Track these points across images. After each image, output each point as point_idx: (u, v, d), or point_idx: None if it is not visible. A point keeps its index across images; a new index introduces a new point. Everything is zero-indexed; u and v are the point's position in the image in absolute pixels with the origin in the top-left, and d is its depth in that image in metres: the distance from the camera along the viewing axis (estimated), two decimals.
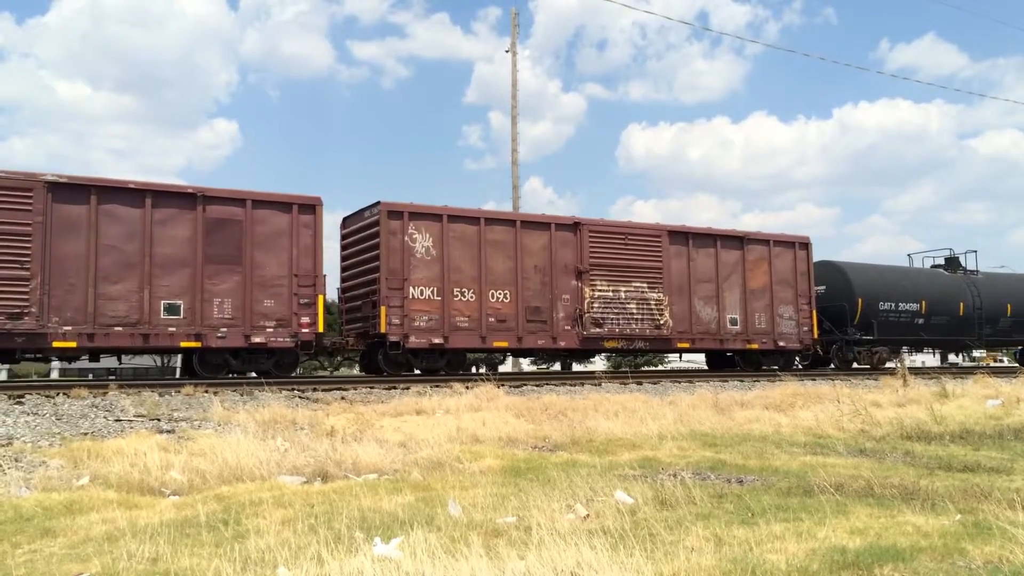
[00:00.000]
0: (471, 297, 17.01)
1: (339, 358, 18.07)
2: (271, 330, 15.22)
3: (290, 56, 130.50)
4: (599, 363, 33.84)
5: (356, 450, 7.74)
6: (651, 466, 7.40)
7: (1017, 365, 29.17)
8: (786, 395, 13.72)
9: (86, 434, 9.14)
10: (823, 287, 23.08)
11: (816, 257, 23.57)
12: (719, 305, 20.12)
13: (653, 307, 19.08)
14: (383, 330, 16.06)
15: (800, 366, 23.01)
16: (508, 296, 17.39)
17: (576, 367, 25.56)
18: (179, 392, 12.65)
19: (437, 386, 14.77)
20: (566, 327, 17.99)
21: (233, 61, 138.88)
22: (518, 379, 17.37)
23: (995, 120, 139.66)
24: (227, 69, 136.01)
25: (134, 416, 10.53)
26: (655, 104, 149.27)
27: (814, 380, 18.06)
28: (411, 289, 16.42)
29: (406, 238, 16.55)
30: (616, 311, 18.59)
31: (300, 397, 13.04)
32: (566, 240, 18.29)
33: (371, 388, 14.51)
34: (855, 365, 23.08)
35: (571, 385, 16.05)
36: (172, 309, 14.54)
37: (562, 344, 17.95)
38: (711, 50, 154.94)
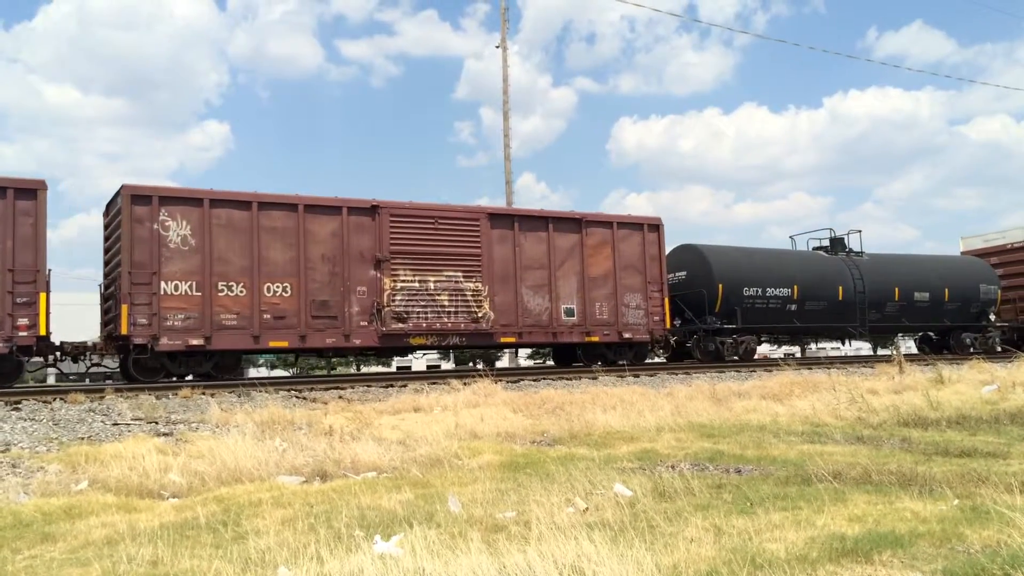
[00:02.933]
0: (241, 291, 15.06)
1: (89, 364, 15.79)
2: None
3: (279, 56, 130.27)
4: None
5: (354, 449, 7.74)
6: (649, 458, 7.41)
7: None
8: (783, 384, 13.76)
9: (84, 439, 9.13)
10: (684, 272, 21.44)
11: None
12: (552, 295, 18.17)
13: (470, 298, 17.19)
14: (124, 331, 14.13)
15: (663, 359, 21.39)
16: (289, 289, 15.49)
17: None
18: (176, 395, 12.64)
19: (434, 383, 14.79)
20: (362, 323, 16.09)
21: (223, 62, 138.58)
22: (515, 374, 17.36)
23: (985, 106, 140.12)
24: (217, 70, 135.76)
25: (131, 420, 10.52)
26: (645, 97, 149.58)
27: (810, 369, 18.10)
28: (163, 284, 14.47)
29: (157, 226, 14.55)
30: (424, 304, 16.70)
31: (297, 397, 13.05)
32: (362, 225, 16.34)
33: (368, 387, 14.54)
34: (731, 357, 20.94)
35: (568, 379, 16.06)
36: None
37: (357, 342, 16.09)
38: (700, 42, 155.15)
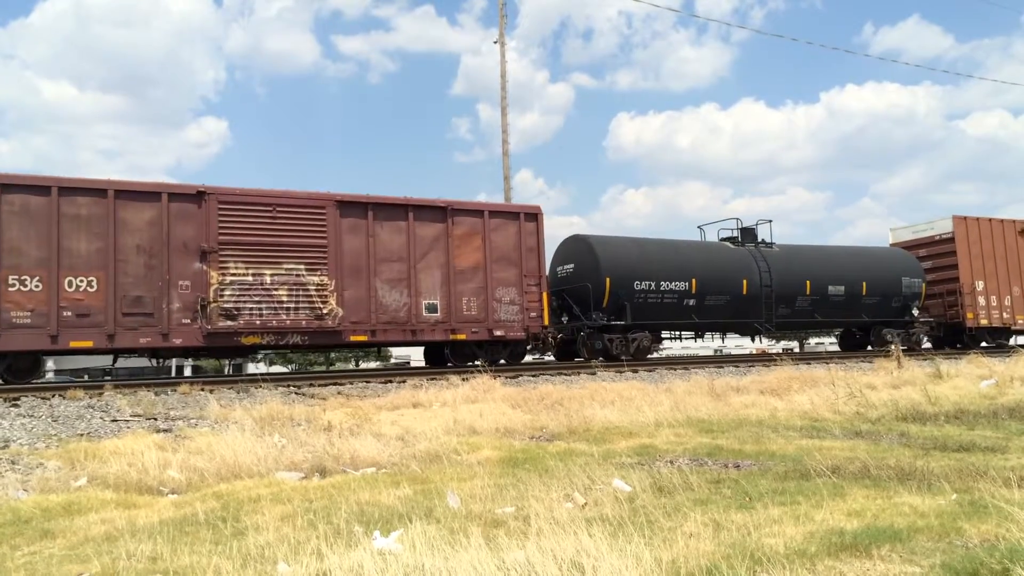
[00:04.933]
0: (36, 286, 13.64)
1: None
2: None
3: (276, 52, 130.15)
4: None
5: (354, 444, 7.74)
6: (648, 453, 7.42)
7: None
8: (782, 379, 13.77)
9: (83, 435, 9.13)
10: (572, 266, 20.06)
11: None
12: (412, 289, 16.74)
13: (313, 293, 15.79)
14: None
15: (551, 356, 19.55)
16: (96, 284, 14.06)
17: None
18: (175, 391, 12.65)
19: (434, 379, 14.80)
20: (184, 320, 14.64)
21: (220, 59, 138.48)
22: (514, 370, 17.35)
23: (982, 101, 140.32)
24: (214, 67, 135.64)
25: (130, 416, 10.52)
26: (643, 92, 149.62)
27: (809, 364, 18.13)
28: None
29: None
30: (258, 299, 15.29)
31: (296, 393, 13.05)
32: (187, 213, 14.90)
33: (367, 382, 14.54)
34: (623, 356, 19.14)
35: (567, 375, 16.08)
36: None
37: (177, 342, 14.59)
38: (698, 37, 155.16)
